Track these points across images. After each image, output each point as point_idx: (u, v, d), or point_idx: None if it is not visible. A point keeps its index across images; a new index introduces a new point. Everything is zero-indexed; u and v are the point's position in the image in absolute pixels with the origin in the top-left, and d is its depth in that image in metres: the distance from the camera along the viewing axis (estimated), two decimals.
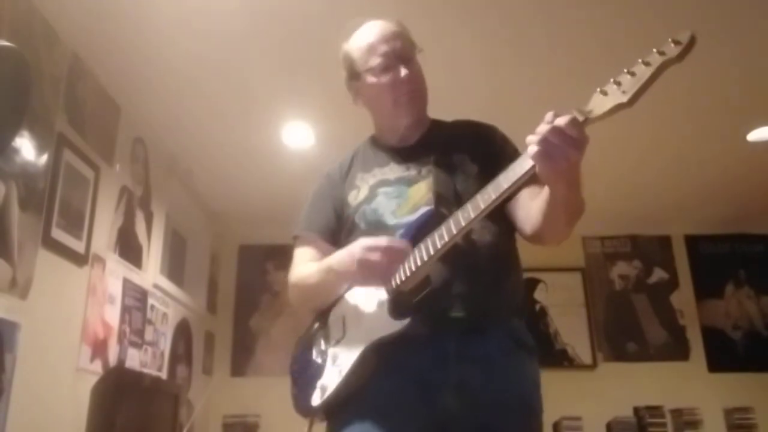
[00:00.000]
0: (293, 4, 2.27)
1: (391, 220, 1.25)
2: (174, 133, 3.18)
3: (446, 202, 1.21)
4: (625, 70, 0.91)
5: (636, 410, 4.03)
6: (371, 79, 1.34)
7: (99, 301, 2.54)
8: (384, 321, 1.13)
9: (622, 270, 4.56)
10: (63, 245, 2.27)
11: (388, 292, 1.15)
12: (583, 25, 2.43)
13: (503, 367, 1.16)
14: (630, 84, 0.90)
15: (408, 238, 1.16)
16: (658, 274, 4.54)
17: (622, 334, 4.37)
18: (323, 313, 1.31)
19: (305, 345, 1.33)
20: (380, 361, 1.15)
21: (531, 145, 0.96)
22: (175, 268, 3.85)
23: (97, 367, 2.49)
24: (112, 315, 2.67)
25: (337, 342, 1.23)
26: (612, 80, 0.92)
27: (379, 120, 1.43)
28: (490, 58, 2.63)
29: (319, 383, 1.23)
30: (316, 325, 1.33)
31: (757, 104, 3.01)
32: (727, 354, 4.32)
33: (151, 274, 3.15)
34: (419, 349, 1.13)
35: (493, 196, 1.03)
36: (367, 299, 1.20)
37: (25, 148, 2.06)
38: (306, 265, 1.34)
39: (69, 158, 2.33)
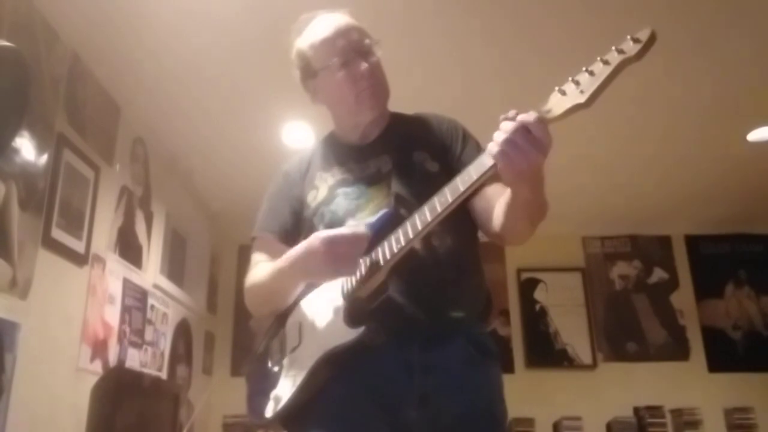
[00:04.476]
0: (294, 4, 2.26)
1: (350, 222, 1.20)
2: (174, 133, 3.18)
3: (406, 203, 1.16)
4: (584, 69, 0.88)
5: (636, 410, 4.04)
6: (330, 76, 1.27)
7: (99, 301, 2.54)
8: (339, 329, 1.08)
9: (622, 270, 4.56)
10: (63, 245, 2.27)
11: (343, 297, 1.11)
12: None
13: (467, 377, 1.12)
14: (588, 83, 0.87)
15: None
16: (658, 274, 4.54)
17: (622, 334, 4.37)
18: (281, 318, 1.26)
19: (263, 351, 1.28)
20: (336, 371, 1.10)
21: (492, 146, 0.93)
22: (175, 268, 3.85)
23: (97, 367, 2.49)
24: (112, 315, 2.67)
25: (293, 350, 1.18)
26: (570, 79, 0.89)
27: (340, 117, 1.37)
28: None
29: (273, 394, 1.18)
30: (274, 330, 1.28)
31: (757, 104, 3.00)
32: (727, 354, 4.32)
33: (151, 274, 3.14)
34: (379, 358, 1.09)
35: (450, 199, 1.00)
36: (325, 305, 1.15)
37: (25, 148, 2.06)
38: (260, 267, 1.30)
39: (69, 158, 2.33)
